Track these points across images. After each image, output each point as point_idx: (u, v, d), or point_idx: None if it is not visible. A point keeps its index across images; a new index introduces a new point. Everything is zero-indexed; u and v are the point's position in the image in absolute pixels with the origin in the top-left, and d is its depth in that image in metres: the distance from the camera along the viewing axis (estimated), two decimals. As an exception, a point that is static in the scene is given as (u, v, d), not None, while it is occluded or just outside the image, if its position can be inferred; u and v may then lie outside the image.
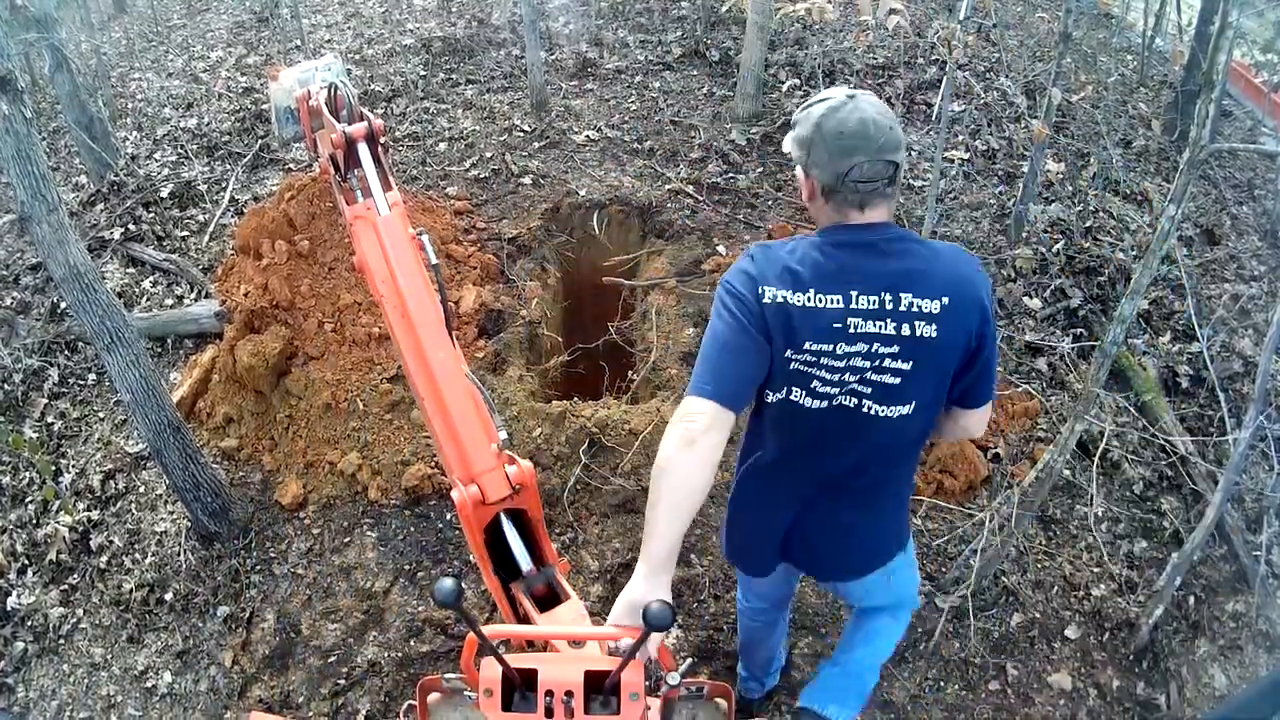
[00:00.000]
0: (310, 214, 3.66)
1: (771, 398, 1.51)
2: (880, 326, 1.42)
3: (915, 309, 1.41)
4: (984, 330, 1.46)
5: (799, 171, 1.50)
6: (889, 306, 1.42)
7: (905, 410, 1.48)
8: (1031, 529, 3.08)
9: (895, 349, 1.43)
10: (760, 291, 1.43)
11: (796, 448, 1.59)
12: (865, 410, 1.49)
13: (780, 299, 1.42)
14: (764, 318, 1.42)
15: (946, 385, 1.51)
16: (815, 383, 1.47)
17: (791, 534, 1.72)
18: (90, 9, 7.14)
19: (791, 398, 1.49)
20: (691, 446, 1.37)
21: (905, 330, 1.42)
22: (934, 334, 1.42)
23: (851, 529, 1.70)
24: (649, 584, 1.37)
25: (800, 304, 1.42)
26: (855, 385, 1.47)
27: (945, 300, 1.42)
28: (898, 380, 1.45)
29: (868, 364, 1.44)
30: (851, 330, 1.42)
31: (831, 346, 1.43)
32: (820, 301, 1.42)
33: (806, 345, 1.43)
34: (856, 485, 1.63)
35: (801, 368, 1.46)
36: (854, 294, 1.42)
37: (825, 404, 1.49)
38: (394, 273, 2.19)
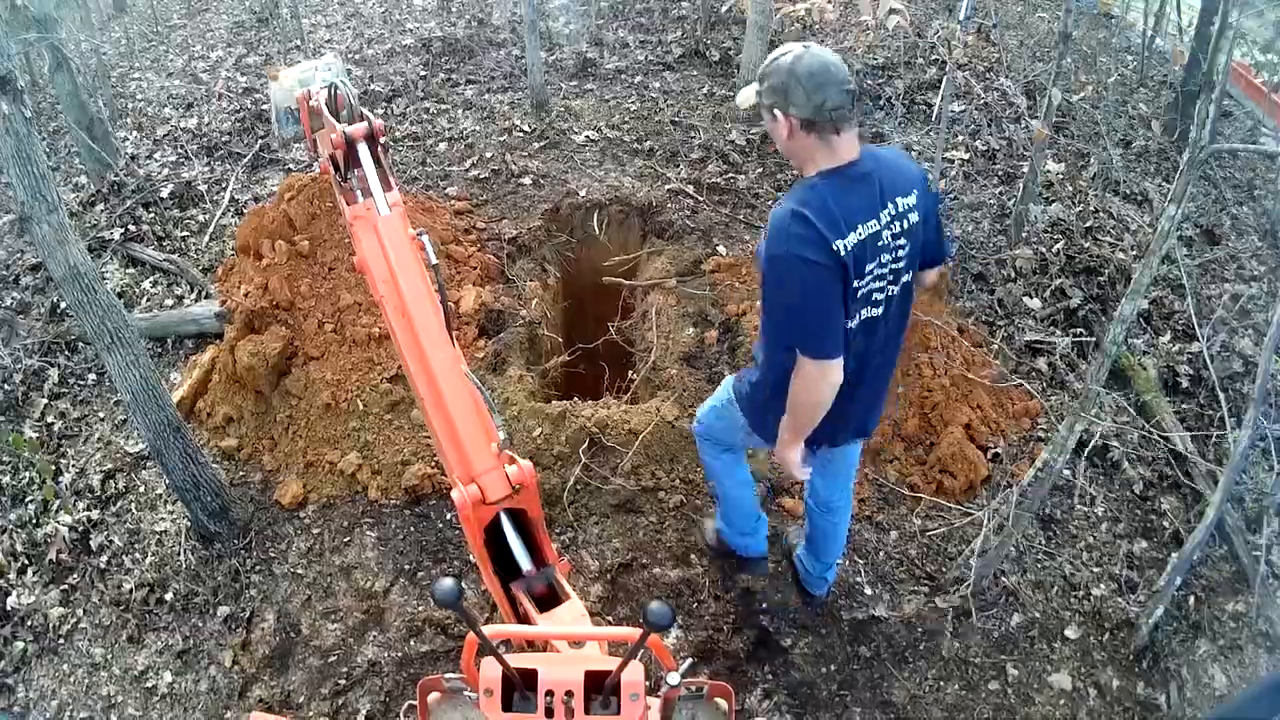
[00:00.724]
0: (310, 214, 3.66)
1: (851, 324, 1.83)
2: (895, 228, 1.80)
3: (905, 206, 1.82)
4: (932, 203, 1.90)
5: (775, 115, 1.78)
6: (893, 212, 1.80)
7: (908, 277, 1.91)
8: (1031, 529, 3.09)
9: (904, 241, 1.82)
10: (835, 248, 1.71)
11: (864, 352, 1.92)
12: (891, 292, 1.88)
13: (848, 245, 1.73)
14: (844, 267, 1.73)
15: (921, 249, 1.92)
16: (875, 294, 1.84)
17: (856, 406, 2.05)
18: (90, 9, 7.13)
19: (862, 316, 1.85)
20: (833, 393, 1.82)
21: (905, 224, 1.82)
22: (916, 217, 1.84)
23: (885, 383, 2.14)
24: (797, 451, 2.00)
25: (857, 240, 1.74)
26: (889, 281, 1.85)
27: (915, 191, 1.84)
28: (905, 260, 1.85)
29: (890, 257, 1.82)
30: (885, 242, 1.79)
31: (878, 259, 1.80)
32: (866, 232, 1.76)
33: (867, 269, 1.78)
34: (886, 347, 2.01)
35: (863, 290, 1.81)
36: (880, 214, 1.78)
37: (881, 309, 1.87)
38: (394, 273, 2.19)
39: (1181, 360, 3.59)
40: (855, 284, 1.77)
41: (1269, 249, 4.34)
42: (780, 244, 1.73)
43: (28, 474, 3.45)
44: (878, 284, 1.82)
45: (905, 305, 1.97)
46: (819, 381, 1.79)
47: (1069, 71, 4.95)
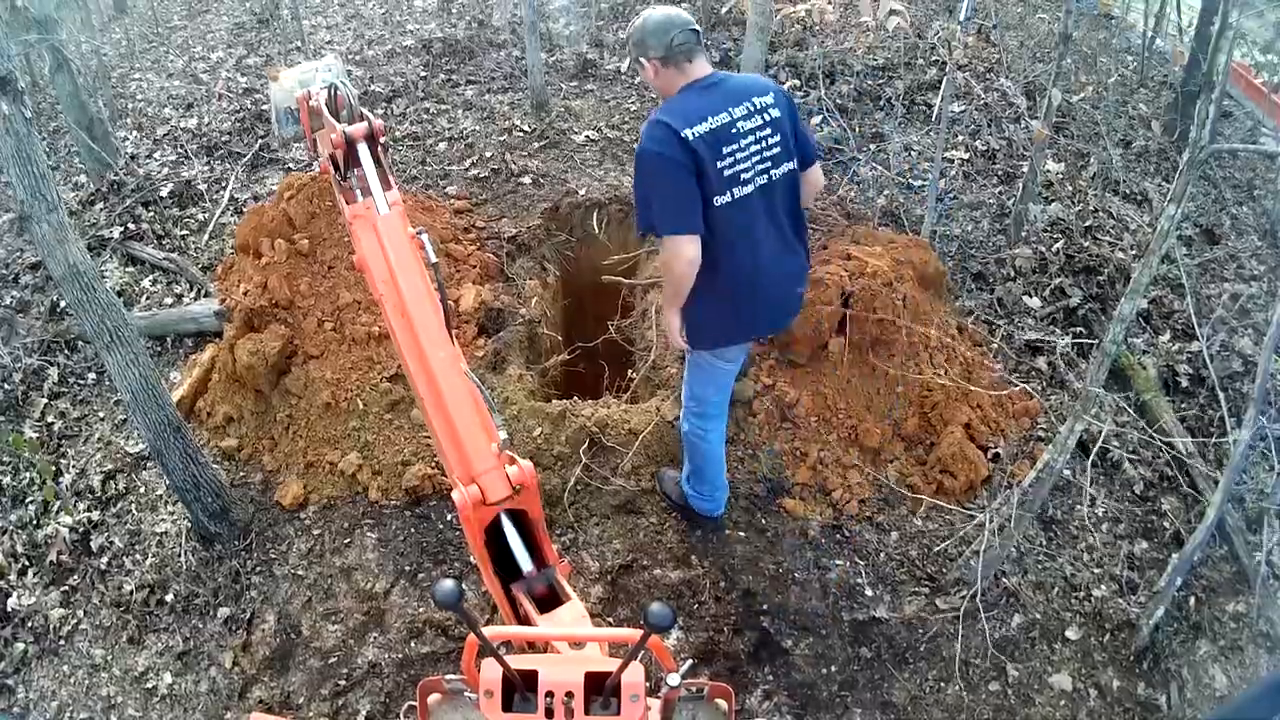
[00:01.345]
0: (310, 213, 3.66)
1: (720, 201, 2.18)
2: (755, 121, 2.19)
3: (762, 104, 2.21)
4: (791, 107, 2.29)
5: (642, 64, 2.24)
6: (750, 109, 2.19)
7: (790, 165, 2.28)
8: (1032, 529, 3.08)
9: (768, 130, 2.20)
10: (685, 135, 2.10)
11: (751, 228, 2.25)
12: (773, 177, 2.24)
13: (698, 133, 2.12)
14: (694, 153, 2.11)
15: (794, 144, 2.28)
16: (743, 174, 2.19)
17: (778, 289, 2.40)
18: (90, 10, 7.13)
19: (734, 194, 2.19)
20: (694, 265, 2.18)
21: (766, 117, 2.21)
22: (778, 113, 2.23)
23: (798, 263, 2.45)
24: (674, 318, 2.36)
25: (708, 129, 2.13)
26: (759, 165, 2.21)
27: (772, 93, 2.25)
28: (778, 149, 2.23)
29: (760, 146, 2.20)
30: (742, 130, 2.17)
31: (737, 145, 2.17)
32: (717, 122, 2.14)
33: (724, 151, 2.15)
34: (788, 230, 2.36)
35: (729, 170, 2.16)
36: (731, 109, 2.16)
37: (753, 187, 2.21)
38: (393, 272, 2.19)
39: (1181, 360, 3.59)
40: (718, 164, 2.14)
41: (1269, 249, 4.34)
42: (643, 145, 2.15)
43: (28, 474, 3.45)
44: (744, 165, 2.18)
45: (790, 194, 2.34)
46: (677, 255, 2.17)
47: (1069, 72, 4.95)
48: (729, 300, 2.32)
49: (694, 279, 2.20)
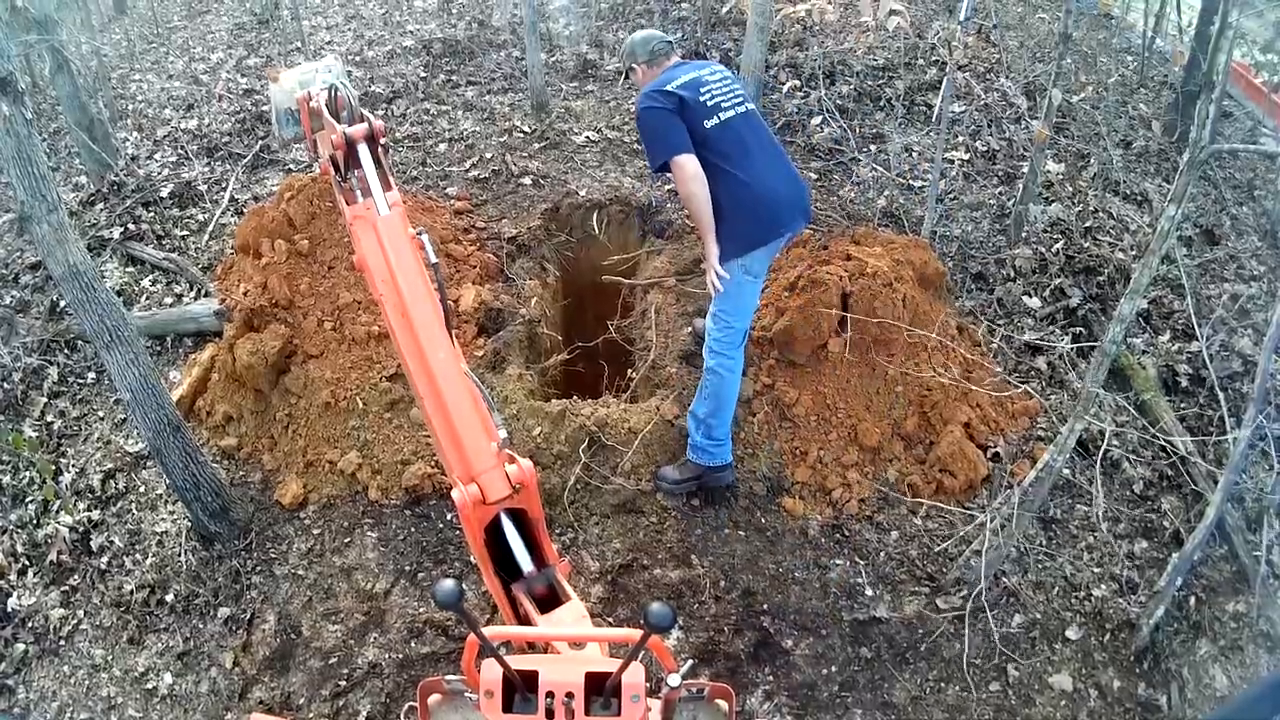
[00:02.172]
0: (310, 214, 3.66)
1: (709, 124, 2.70)
2: (718, 75, 2.81)
3: (716, 68, 2.85)
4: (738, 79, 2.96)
5: (634, 68, 2.93)
6: (712, 69, 2.83)
7: (752, 105, 2.85)
8: (1032, 529, 3.09)
9: (729, 80, 2.83)
10: (669, 89, 2.70)
11: (746, 145, 2.75)
12: (748, 109, 2.81)
13: (678, 84, 2.72)
14: (677, 96, 2.69)
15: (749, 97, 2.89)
16: (722, 103, 2.75)
17: (785, 192, 2.81)
18: (91, 11, 7.13)
19: (719, 118, 2.72)
20: (701, 179, 2.65)
21: (724, 74, 2.83)
22: (729, 73, 2.87)
23: (797, 178, 2.91)
24: (712, 242, 2.74)
25: (685, 80, 2.74)
26: (733, 98, 2.78)
27: (722, 64, 2.97)
28: (741, 92, 2.83)
29: (727, 88, 2.79)
30: (710, 81, 2.77)
31: (711, 87, 2.75)
32: (689, 76, 2.75)
33: (701, 90, 2.73)
34: (779, 154, 2.88)
35: (710, 101, 2.73)
36: (700, 69, 2.80)
37: (733, 112, 2.75)
38: (393, 272, 2.18)
39: (1181, 360, 3.59)
40: (700, 98, 2.70)
41: (1269, 249, 4.34)
42: (639, 107, 2.74)
43: (28, 474, 3.45)
44: (721, 97, 2.74)
45: (768, 130, 2.89)
46: (683, 172, 2.65)
47: (1069, 72, 4.95)
48: (746, 205, 2.74)
49: (707, 193, 2.65)
